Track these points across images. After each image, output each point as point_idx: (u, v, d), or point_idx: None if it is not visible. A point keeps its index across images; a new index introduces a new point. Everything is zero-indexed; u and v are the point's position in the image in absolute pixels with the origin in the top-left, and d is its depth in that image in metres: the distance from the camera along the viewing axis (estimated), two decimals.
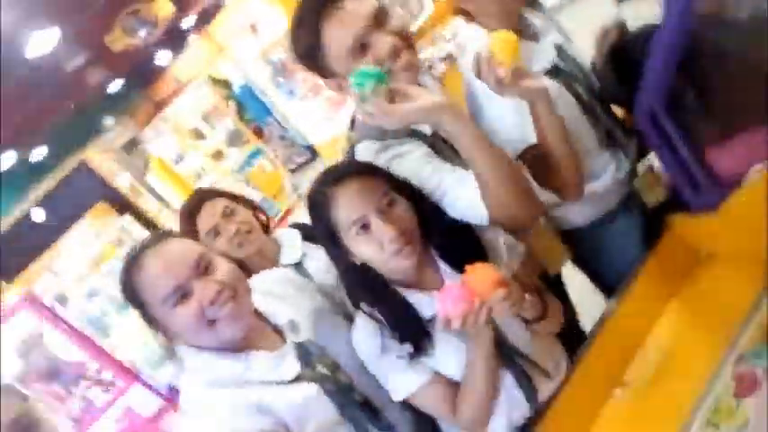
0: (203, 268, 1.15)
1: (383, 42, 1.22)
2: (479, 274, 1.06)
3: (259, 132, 7.43)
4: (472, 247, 1.19)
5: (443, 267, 1.21)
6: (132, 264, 1.16)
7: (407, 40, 1.27)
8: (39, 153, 8.64)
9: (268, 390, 1.15)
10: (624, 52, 1.38)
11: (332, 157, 4.74)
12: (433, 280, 1.20)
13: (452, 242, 1.20)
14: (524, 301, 1.12)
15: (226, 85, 6.85)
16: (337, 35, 1.22)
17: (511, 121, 1.29)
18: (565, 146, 1.22)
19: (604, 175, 1.41)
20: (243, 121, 6.85)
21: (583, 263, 1.57)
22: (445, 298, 1.05)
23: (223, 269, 1.17)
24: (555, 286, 1.49)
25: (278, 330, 1.26)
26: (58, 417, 3.32)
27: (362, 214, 1.12)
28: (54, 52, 6.41)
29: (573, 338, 1.32)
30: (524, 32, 1.37)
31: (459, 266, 1.12)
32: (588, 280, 1.62)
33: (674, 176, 1.29)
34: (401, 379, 1.19)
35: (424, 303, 1.17)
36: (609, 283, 1.46)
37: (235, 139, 6.63)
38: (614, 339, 1.26)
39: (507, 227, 1.23)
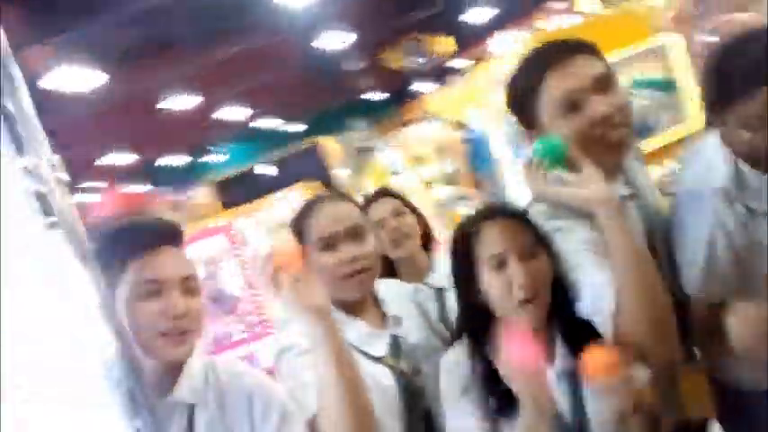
0: (354, 235, 1.36)
1: (599, 106, 1.21)
2: (598, 352, 1.03)
3: (476, 182, 7.60)
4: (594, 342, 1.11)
5: (560, 346, 1.16)
6: (309, 205, 1.42)
7: (626, 117, 1.24)
8: (295, 127, 10.08)
9: (355, 355, 1.25)
10: None
11: None
12: (546, 351, 1.15)
13: (576, 328, 1.15)
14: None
15: (463, 128, 7.15)
16: (557, 84, 1.23)
17: None
18: None
19: None
20: (466, 166, 7.07)
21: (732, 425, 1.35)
22: (518, 342, 1.03)
23: (368, 246, 1.38)
24: None
25: (385, 317, 1.40)
26: None
27: (504, 250, 1.13)
28: (339, 52, 7.44)
29: None
30: None
31: (575, 351, 1.08)
32: None
33: None
34: (465, 427, 1.14)
35: None
36: None
37: (451, 179, 6.88)
38: None
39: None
